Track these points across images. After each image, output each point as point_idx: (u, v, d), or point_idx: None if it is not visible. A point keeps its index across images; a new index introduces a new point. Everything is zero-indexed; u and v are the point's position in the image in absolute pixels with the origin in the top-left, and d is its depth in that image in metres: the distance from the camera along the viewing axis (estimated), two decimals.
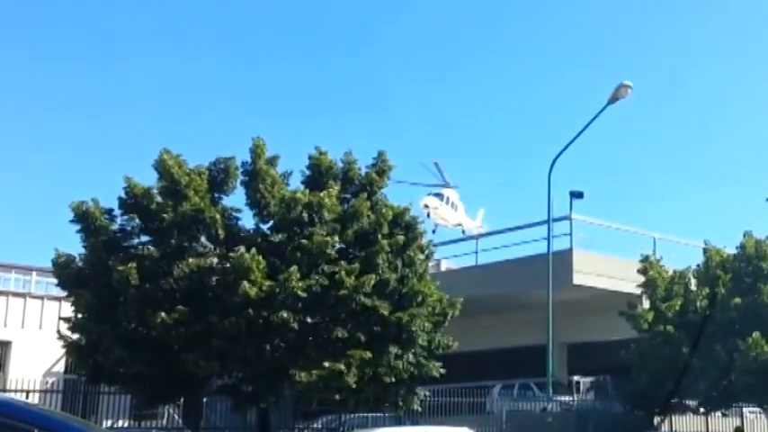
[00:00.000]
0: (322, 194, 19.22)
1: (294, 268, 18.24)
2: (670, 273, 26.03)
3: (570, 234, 30.17)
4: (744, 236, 25.08)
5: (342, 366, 18.21)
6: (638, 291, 26.85)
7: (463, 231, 42.91)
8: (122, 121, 70.42)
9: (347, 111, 71.12)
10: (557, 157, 25.55)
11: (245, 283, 17.92)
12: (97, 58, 71.26)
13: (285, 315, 18.04)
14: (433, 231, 38.99)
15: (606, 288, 29.83)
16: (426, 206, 40.66)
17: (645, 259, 26.45)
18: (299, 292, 18.20)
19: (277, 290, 18.10)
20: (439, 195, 43.12)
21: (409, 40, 71.33)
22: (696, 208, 59.12)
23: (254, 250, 18.32)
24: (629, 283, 27.70)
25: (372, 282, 18.82)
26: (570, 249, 29.96)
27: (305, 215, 19.03)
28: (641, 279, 26.39)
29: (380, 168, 20.97)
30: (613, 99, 24.01)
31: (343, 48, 74.91)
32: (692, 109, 71.99)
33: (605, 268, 30.18)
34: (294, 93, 75.85)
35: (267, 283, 18.14)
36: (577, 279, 29.71)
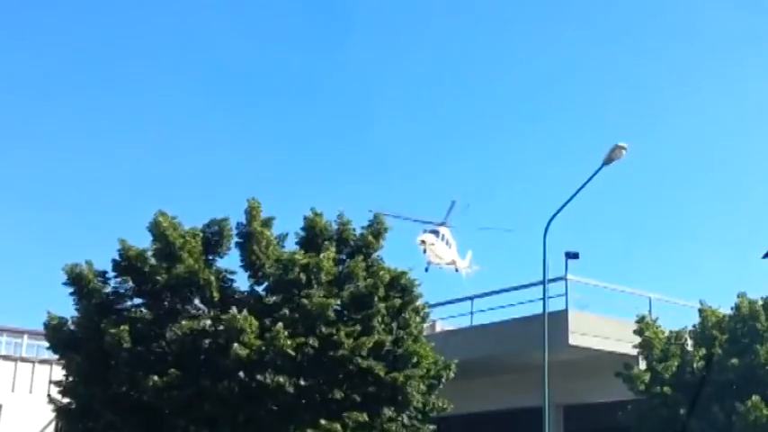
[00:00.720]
0: (321, 256, 19.23)
1: (280, 325, 18.16)
2: (666, 333, 25.86)
3: (566, 295, 29.97)
4: (738, 296, 25.01)
5: (338, 428, 18.06)
6: (635, 351, 26.62)
7: (456, 269, 42.78)
8: (117, 183, 70.58)
9: (342, 169, 71.42)
10: (552, 219, 25.48)
11: (237, 345, 17.83)
12: (95, 113, 71.59)
13: (281, 380, 17.92)
14: (426, 270, 38.92)
15: (602, 349, 29.58)
16: (423, 242, 40.60)
17: (641, 320, 26.28)
18: (289, 351, 18.08)
19: (264, 348, 17.97)
20: (435, 232, 43.16)
21: (404, 97, 71.82)
22: (692, 267, 59.11)
23: (245, 311, 18.25)
24: (626, 343, 27.48)
25: (370, 344, 18.77)
26: (566, 310, 29.74)
27: (302, 277, 18.99)
28: (637, 340, 26.20)
29: (376, 230, 20.99)
30: (608, 160, 24.05)
31: (338, 105, 75.33)
32: (687, 168, 72.46)
33: (601, 329, 29.97)
34: (289, 152, 76.09)
35: (257, 343, 18.02)
36: (573, 340, 29.46)
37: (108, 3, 69.10)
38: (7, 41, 66.39)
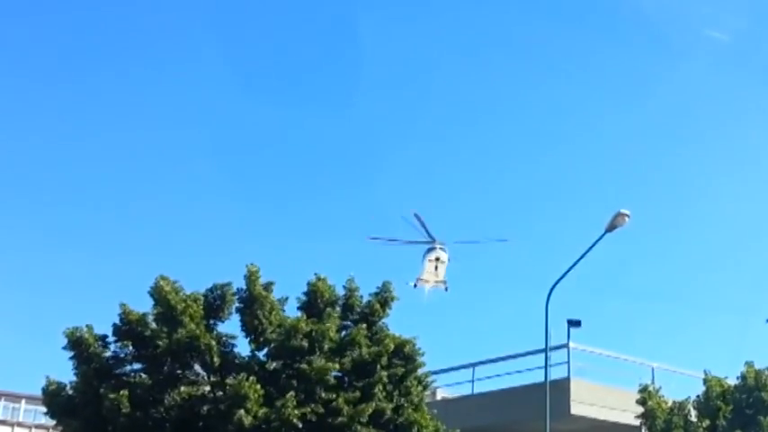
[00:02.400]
0: (327, 324, 19.18)
1: (291, 395, 18.06)
2: (669, 403, 25.62)
3: (568, 363, 29.83)
4: (745, 365, 24.83)
5: None
6: (638, 422, 26.38)
7: (446, 289, 41.52)
8: (118, 246, 70.43)
9: (347, 228, 71.02)
10: (554, 286, 25.43)
11: (241, 412, 17.68)
12: (96, 173, 71.75)
13: None
14: (415, 286, 38.54)
15: (605, 419, 29.32)
16: (437, 259, 39.61)
17: (644, 389, 26.05)
18: (295, 420, 17.94)
19: (272, 416, 17.83)
20: (443, 250, 41.71)
21: (411, 154, 71.74)
22: (696, 336, 58.65)
23: (252, 378, 18.13)
24: (629, 413, 27.24)
25: (370, 411, 18.61)
26: (568, 378, 29.56)
27: (305, 343, 18.91)
28: (640, 410, 25.96)
29: (383, 298, 20.94)
30: (611, 227, 24.10)
31: (343, 162, 75.23)
32: (691, 234, 72.37)
33: (604, 398, 29.74)
34: (293, 211, 75.78)
35: (262, 410, 17.88)
36: (575, 409, 29.21)
37: (113, 59, 69.62)
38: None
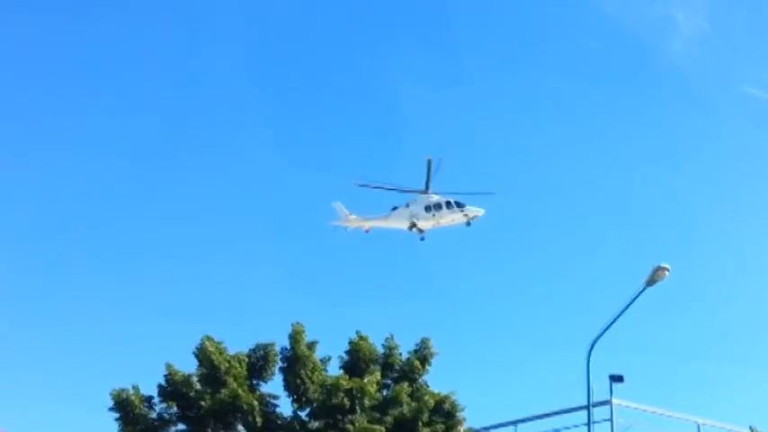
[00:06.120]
0: (366, 380, 19.22)
1: None
2: None
3: (611, 419, 29.43)
4: None
5: None
6: None
7: (468, 223, 40.15)
8: (163, 307, 70.96)
9: (388, 293, 70.82)
10: (595, 341, 25.27)
11: None
12: (140, 236, 72.66)
13: None
14: (422, 239, 38.26)
15: None
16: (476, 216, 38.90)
17: None
18: None
19: None
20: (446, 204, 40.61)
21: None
22: (740, 391, 57.48)
23: None
24: None
25: None
26: None
27: (346, 402, 18.95)
28: None
29: (422, 355, 20.99)
30: (651, 281, 23.94)
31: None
32: (732, 290, 71.38)
33: None
34: (334, 272, 75.66)
35: None
36: None
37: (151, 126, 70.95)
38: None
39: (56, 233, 67.69)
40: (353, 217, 40.36)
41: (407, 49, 71.05)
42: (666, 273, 23.95)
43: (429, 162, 38.06)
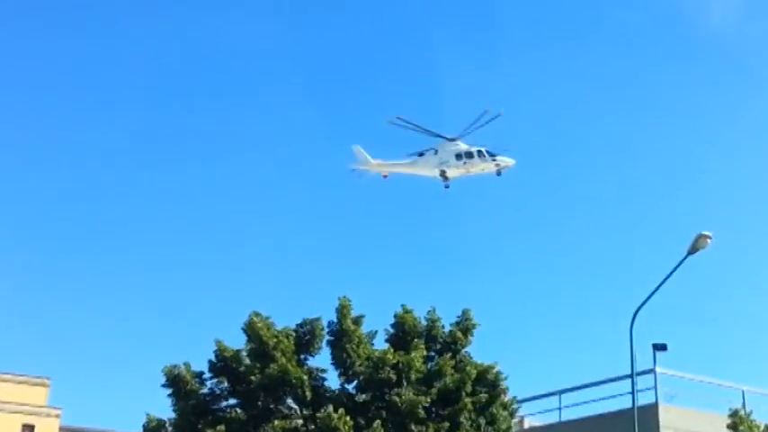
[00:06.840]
0: (412, 355, 19.49)
1: (378, 423, 18.33)
2: (762, 427, 25.23)
3: (655, 388, 29.46)
4: None
5: None
6: None
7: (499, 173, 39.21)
8: (213, 283, 72.24)
9: (430, 266, 70.99)
10: (638, 310, 25.30)
11: None
12: (193, 226, 74.02)
13: None
14: (447, 187, 37.67)
15: None
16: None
17: (734, 413, 25.65)
18: None
19: None
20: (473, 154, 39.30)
21: (492, 195, 71.64)
22: None
23: (341, 410, 18.51)
24: None
25: None
26: (656, 404, 29.18)
27: (392, 375, 19.26)
28: None
29: (464, 326, 21.20)
30: (693, 250, 23.90)
31: (425, 204, 75.61)
32: None
33: (693, 423, 29.28)
34: (379, 247, 76.08)
35: None
36: None
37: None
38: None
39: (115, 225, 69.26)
40: (376, 161, 39.28)
41: (448, 22, 71.21)
42: (708, 241, 23.91)
43: (485, 113, 36.88)
